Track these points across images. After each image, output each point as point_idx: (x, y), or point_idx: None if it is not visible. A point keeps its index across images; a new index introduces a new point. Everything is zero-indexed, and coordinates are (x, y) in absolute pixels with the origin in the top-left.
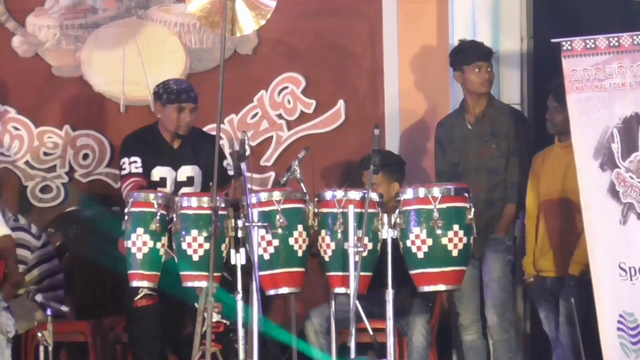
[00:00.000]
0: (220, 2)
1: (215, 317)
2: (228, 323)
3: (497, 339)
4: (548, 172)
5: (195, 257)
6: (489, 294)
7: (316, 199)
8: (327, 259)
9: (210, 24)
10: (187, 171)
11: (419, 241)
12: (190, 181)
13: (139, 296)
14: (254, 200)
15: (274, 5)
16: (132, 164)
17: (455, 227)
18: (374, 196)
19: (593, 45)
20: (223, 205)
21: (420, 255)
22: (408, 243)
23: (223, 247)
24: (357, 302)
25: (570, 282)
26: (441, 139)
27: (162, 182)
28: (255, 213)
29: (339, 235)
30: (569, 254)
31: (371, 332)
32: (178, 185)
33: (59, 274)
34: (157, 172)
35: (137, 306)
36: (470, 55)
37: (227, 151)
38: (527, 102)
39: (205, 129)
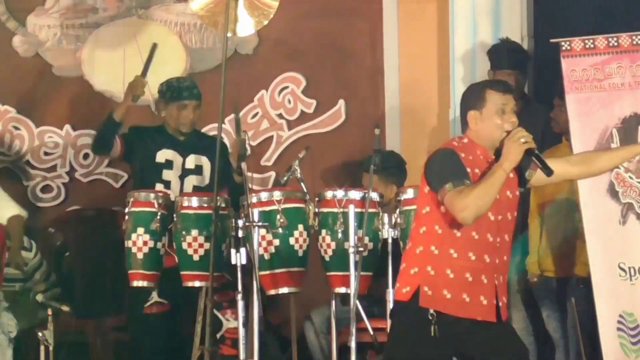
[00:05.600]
0: (222, 1)
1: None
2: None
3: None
4: None
5: (196, 257)
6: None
7: (317, 199)
8: (327, 258)
9: (213, 23)
10: (195, 160)
11: None
12: (199, 170)
13: (148, 303)
14: (254, 200)
15: (276, 6)
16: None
17: None
18: (374, 196)
19: (592, 46)
20: (224, 205)
21: None
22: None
23: (223, 246)
24: (357, 302)
25: (579, 284)
26: None
27: (168, 164)
28: (255, 213)
29: (340, 235)
30: (574, 254)
31: (371, 332)
32: (185, 172)
33: (52, 274)
34: (163, 154)
35: (147, 313)
36: (503, 60)
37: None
38: None
39: (205, 128)
